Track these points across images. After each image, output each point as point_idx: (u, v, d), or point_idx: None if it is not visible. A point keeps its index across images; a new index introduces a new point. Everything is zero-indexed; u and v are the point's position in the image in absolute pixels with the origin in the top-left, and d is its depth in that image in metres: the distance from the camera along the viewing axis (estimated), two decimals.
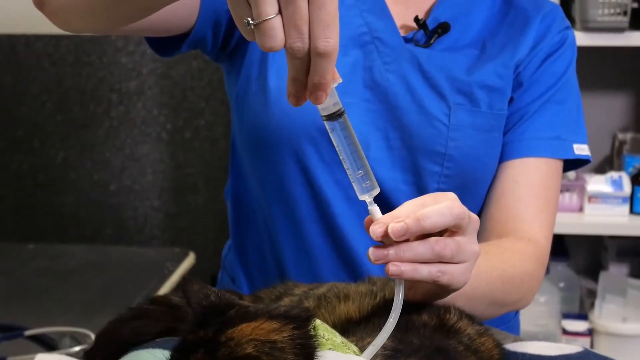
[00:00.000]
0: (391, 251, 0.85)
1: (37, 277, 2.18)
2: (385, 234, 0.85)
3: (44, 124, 2.84)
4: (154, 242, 2.88)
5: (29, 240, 2.67)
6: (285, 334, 0.75)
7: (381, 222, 0.85)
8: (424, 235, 0.87)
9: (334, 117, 0.83)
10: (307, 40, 0.77)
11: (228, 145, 2.32)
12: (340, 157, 0.85)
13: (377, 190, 0.86)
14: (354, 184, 0.86)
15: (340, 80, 0.81)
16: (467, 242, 0.90)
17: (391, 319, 0.82)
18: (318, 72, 0.78)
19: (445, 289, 0.91)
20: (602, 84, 2.74)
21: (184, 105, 2.81)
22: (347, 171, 0.85)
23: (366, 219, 0.88)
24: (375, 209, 0.87)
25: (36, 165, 2.87)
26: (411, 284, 0.89)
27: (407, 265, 0.85)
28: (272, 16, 0.76)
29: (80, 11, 1.08)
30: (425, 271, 0.86)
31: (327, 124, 0.84)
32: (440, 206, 0.87)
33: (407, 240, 0.86)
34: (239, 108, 1.32)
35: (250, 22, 0.77)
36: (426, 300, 0.93)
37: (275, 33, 0.77)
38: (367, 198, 0.86)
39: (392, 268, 0.84)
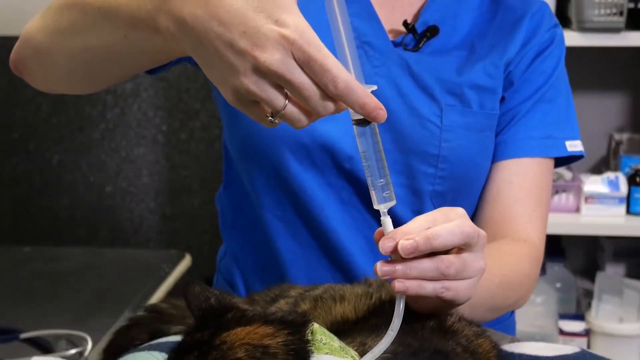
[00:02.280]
0: (398, 267, 0.85)
1: (32, 280, 2.18)
2: (394, 250, 0.85)
3: (39, 126, 2.83)
4: (150, 244, 2.87)
5: (25, 242, 2.67)
6: (279, 339, 0.74)
7: (391, 237, 0.86)
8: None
9: (365, 122, 0.84)
10: (325, 100, 0.81)
11: None
12: (365, 164, 0.86)
13: (393, 202, 0.87)
14: (373, 192, 0.87)
15: (375, 87, 0.83)
16: (473, 259, 0.90)
17: (391, 332, 0.83)
18: (355, 104, 0.81)
19: (449, 304, 0.92)
20: (599, 84, 2.74)
21: (180, 107, 2.81)
22: (369, 178, 0.86)
23: (377, 230, 0.89)
24: (387, 221, 0.87)
25: (31, 168, 2.86)
26: (415, 297, 0.90)
27: (412, 282, 0.86)
28: (286, 103, 0.82)
29: (58, 79, 1.12)
30: (429, 287, 0.87)
31: (356, 129, 0.85)
32: (451, 225, 0.87)
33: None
34: (228, 115, 1.31)
35: (272, 119, 0.83)
36: (430, 312, 0.93)
37: (298, 116, 0.83)
38: (383, 208, 0.87)
39: (398, 284, 0.85)
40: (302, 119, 0.84)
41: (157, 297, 2.05)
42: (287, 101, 0.82)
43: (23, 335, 1.64)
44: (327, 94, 0.81)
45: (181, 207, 2.86)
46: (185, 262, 2.35)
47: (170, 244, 2.83)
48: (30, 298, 2.03)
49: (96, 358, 1.18)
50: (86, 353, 1.60)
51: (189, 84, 2.78)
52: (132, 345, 1.05)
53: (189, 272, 2.34)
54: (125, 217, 2.87)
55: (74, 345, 1.63)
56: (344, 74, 0.80)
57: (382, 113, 0.82)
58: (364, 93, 0.81)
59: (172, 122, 2.82)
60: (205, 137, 2.81)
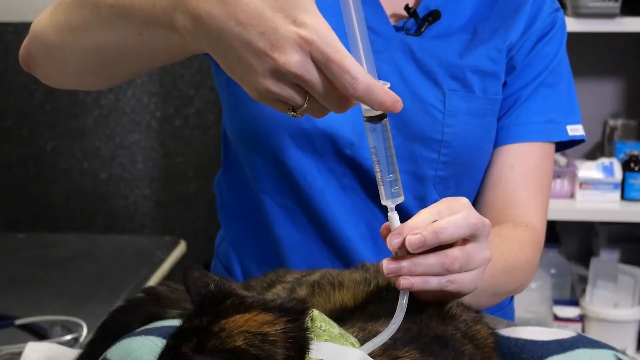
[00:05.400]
0: (404, 264, 0.86)
1: (27, 267, 2.18)
2: (402, 246, 0.85)
3: (33, 113, 2.82)
4: (145, 230, 2.87)
5: (19, 229, 2.66)
6: (278, 326, 0.74)
7: (398, 233, 0.86)
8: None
9: (377, 119, 0.84)
10: (342, 99, 0.82)
11: (219, 134, 2.31)
12: (374, 159, 0.86)
13: (401, 199, 0.87)
14: (381, 187, 0.87)
15: (389, 84, 0.83)
16: (478, 250, 0.90)
17: (393, 325, 0.83)
18: (374, 103, 0.81)
19: (454, 295, 0.92)
20: (594, 70, 2.74)
21: (174, 94, 2.80)
22: (378, 174, 0.86)
23: (383, 226, 0.89)
24: (394, 217, 0.87)
25: (26, 154, 2.85)
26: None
27: (416, 278, 0.86)
28: (306, 100, 0.82)
29: (70, 76, 1.11)
30: (434, 282, 0.87)
31: (367, 125, 0.85)
32: (456, 217, 0.88)
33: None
34: (229, 98, 1.31)
35: (294, 114, 0.84)
36: (434, 301, 0.94)
37: (318, 110, 0.84)
38: (390, 204, 0.87)
39: (403, 282, 0.85)
40: (323, 112, 0.84)
41: (151, 283, 2.05)
42: (307, 98, 0.82)
43: (18, 322, 1.64)
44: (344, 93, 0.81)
45: (176, 194, 2.85)
46: (180, 249, 2.35)
47: (165, 231, 2.83)
48: (25, 284, 2.03)
49: (90, 337, 1.17)
50: (81, 339, 1.61)
51: (183, 70, 2.78)
52: (128, 327, 1.05)
53: (183, 259, 2.34)
54: (120, 203, 2.86)
55: (69, 331, 1.63)
56: (363, 75, 0.80)
57: (399, 105, 0.83)
58: (382, 91, 0.81)
59: (166, 109, 2.81)
60: (199, 124, 2.80)
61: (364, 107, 0.84)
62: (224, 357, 0.72)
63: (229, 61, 0.84)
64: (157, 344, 0.79)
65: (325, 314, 0.86)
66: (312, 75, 0.80)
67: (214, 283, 0.80)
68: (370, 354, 0.81)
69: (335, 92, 0.82)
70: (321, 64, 0.80)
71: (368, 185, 1.27)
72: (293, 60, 0.79)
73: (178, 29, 0.88)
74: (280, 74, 0.80)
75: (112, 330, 1.09)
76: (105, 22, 0.98)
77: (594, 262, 2.60)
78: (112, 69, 1.06)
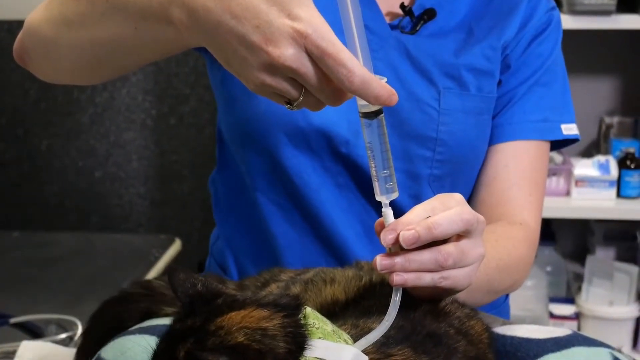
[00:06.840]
0: (397, 261, 0.85)
1: (22, 265, 2.18)
2: (396, 241, 0.85)
3: (27, 111, 2.82)
4: (140, 229, 2.87)
5: (14, 228, 2.66)
6: (275, 321, 0.74)
7: (392, 229, 0.86)
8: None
9: (373, 115, 0.84)
10: (337, 92, 0.82)
11: (214, 132, 2.30)
12: (369, 154, 0.86)
13: (396, 194, 0.87)
14: (376, 183, 0.86)
15: (385, 79, 0.83)
16: (472, 247, 0.90)
17: (386, 322, 0.83)
18: (370, 97, 0.81)
19: (448, 292, 0.92)
20: (589, 68, 2.74)
21: (169, 92, 2.80)
22: (372, 169, 0.86)
23: (377, 222, 0.88)
24: (388, 212, 0.87)
25: (20, 153, 2.85)
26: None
27: (410, 274, 0.86)
28: (301, 93, 0.82)
29: (64, 71, 1.11)
30: (427, 278, 0.87)
31: (363, 121, 0.85)
32: (450, 213, 0.87)
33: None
34: (224, 96, 1.31)
35: (290, 107, 0.84)
36: (428, 299, 0.93)
37: (314, 103, 0.84)
38: (385, 199, 0.87)
39: (397, 278, 0.85)
40: (318, 105, 0.85)
41: None
42: (302, 91, 0.82)
43: (13, 320, 1.64)
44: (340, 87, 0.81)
45: (171, 193, 2.85)
46: (175, 247, 2.35)
47: (160, 229, 2.83)
48: (20, 283, 2.03)
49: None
50: (76, 337, 1.61)
51: (178, 68, 2.77)
52: (121, 321, 1.05)
53: (178, 257, 2.34)
54: (115, 202, 2.86)
55: (64, 330, 1.63)
56: (359, 68, 0.80)
57: (395, 98, 0.83)
58: (378, 84, 0.81)
59: (161, 107, 2.81)
60: (194, 122, 2.80)
61: (360, 102, 0.84)
62: (228, 354, 0.72)
63: (226, 55, 0.84)
64: (152, 343, 0.79)
65: (317, 308, 0.86)
66: (306, 68, 0.80)
67: (201, 283, 0.80)
68: (363, 351, 0.80)
69: (330, 86, 0.81)
70: (316, 57, 0.80)
71: (363, 184, 1.27)
72: (287, 54, 0.79)
73: (174, 22, 0.88)
74: (275, 68, 0.80)
75: (105, 323, 1.08)
76: (101, 16, 0.98)
77: (590, 260, 2.60)
78: (107, 64, 1.06)
